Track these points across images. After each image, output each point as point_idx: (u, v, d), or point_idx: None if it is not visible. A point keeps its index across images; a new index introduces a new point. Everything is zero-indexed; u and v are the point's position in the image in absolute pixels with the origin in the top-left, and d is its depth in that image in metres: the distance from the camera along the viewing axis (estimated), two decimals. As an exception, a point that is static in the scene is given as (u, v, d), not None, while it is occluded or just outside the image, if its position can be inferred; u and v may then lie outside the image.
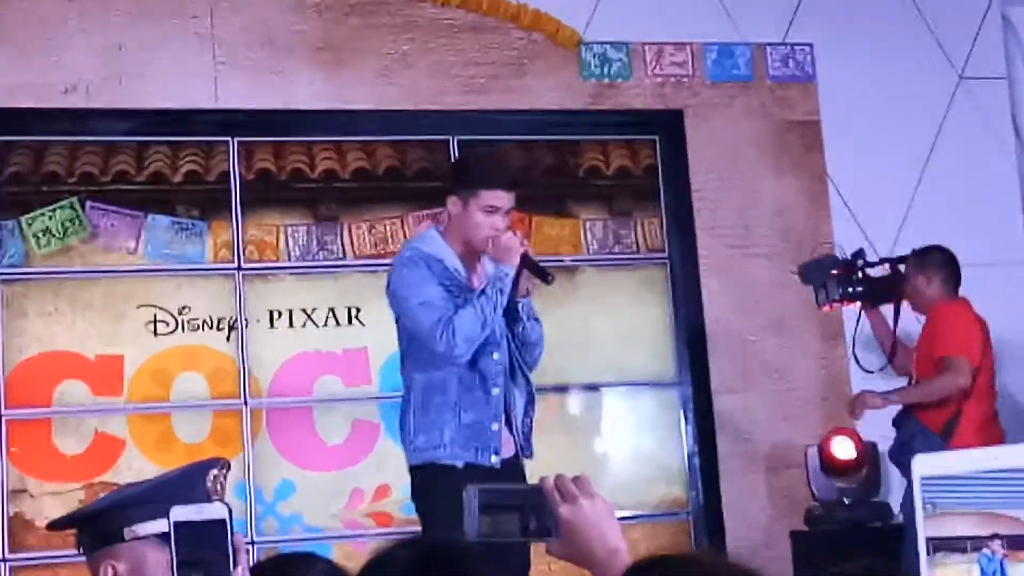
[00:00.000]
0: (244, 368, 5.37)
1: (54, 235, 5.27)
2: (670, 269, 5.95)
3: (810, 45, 6.18)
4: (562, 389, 5.77)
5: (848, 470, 5.54)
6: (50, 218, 5.27)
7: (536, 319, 4.21)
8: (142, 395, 5.31)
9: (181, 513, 1.86)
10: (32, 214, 5.25)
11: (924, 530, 1.48)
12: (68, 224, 5.29)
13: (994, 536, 1.44)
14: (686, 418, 5.83)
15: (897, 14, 6.27)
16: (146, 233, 5.37)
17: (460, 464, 4.01)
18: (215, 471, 2.32)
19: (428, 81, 5.66)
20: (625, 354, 5.85)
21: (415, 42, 5.67)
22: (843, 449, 5.51)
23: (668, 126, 6.01)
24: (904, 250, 5.63)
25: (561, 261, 5.83)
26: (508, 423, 4.16)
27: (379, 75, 5.60)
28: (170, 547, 1.85)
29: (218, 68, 5.40)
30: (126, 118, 5.37)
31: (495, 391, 4.11)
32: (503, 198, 4.04)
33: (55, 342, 5.25)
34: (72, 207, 5.30)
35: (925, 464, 1.48)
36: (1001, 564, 1.43)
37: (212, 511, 1.88)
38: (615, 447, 5.82)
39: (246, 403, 5.37)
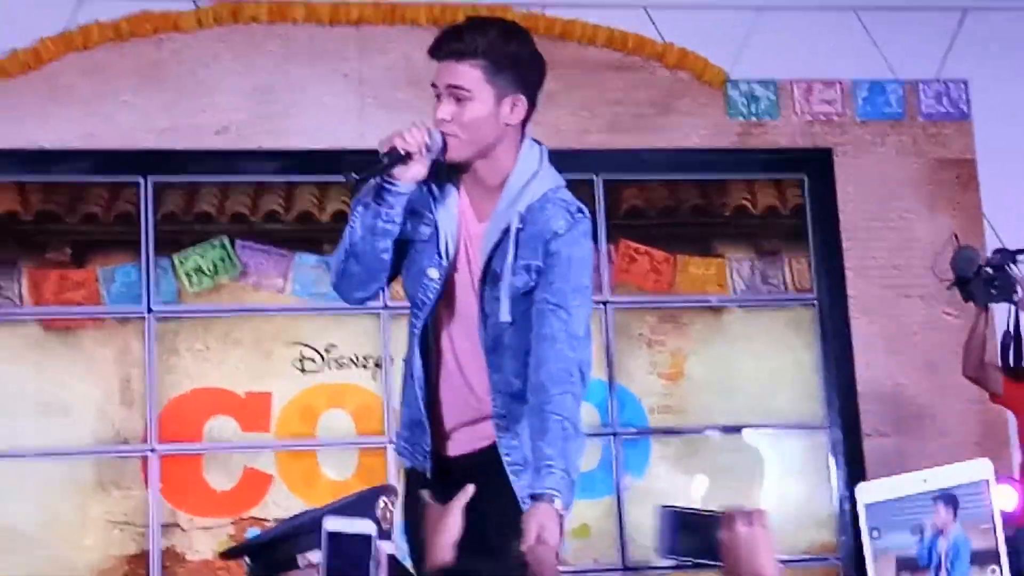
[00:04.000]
0: (389, 406, 5.40)
1: (205, 273, 5.39)
2: (819, 310, 5.86)
3: (965, 82, 6.05)
4: (708, 430, 5.70)
5: (1009, 519, 5.36)
6: (202, 257, 5.39)
7: None
8: (289, 432, 5.38)
9: (334, 524, 1.94)
10: (184, 253, 5.38)
11: (873, 554, 1.68)
12: (219, 263, 5.40)
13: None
14: (836, 462, 5.72)
15: (1056, 49, 6.12)
16: (294, 272, 5.45)
17: (407, 465, 3.13)
18: (384, 499, 2.37)
19: (573, 120, 5.66)
20: (772, 396, 5.77)
21: (560, 81, 5.66)
22: (1004, 499, 5.32)
23: (817, 165, 5.93)
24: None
25: (707, 301, 5.79)
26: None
27: (524, 115, 5.61)
28: (321, 553, 1.93)
29: (364, 108, 5.47)
30: (275, 158, 5.47)
31: (416, 370, 3.05)
32: (438, 72, 2.97)
33: (206, 379, 5.35)
34: (223, 246, 5.42)
35: (867, 492, 1.67)
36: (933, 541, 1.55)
37: (361, 526, 1.95)
38: (762, 490, 5.72)
39: (391, 441, 5.40)
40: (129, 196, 5.39)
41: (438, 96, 2.96)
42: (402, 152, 2.86)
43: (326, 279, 5.42)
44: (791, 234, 5.91)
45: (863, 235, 5.88)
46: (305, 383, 5.41)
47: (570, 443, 2.85)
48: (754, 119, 5.87)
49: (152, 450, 5.24)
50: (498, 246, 2.96)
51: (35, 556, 5.06)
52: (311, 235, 5.48)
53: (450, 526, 2.60)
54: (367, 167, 2.85)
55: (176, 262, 5.38)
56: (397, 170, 2.88)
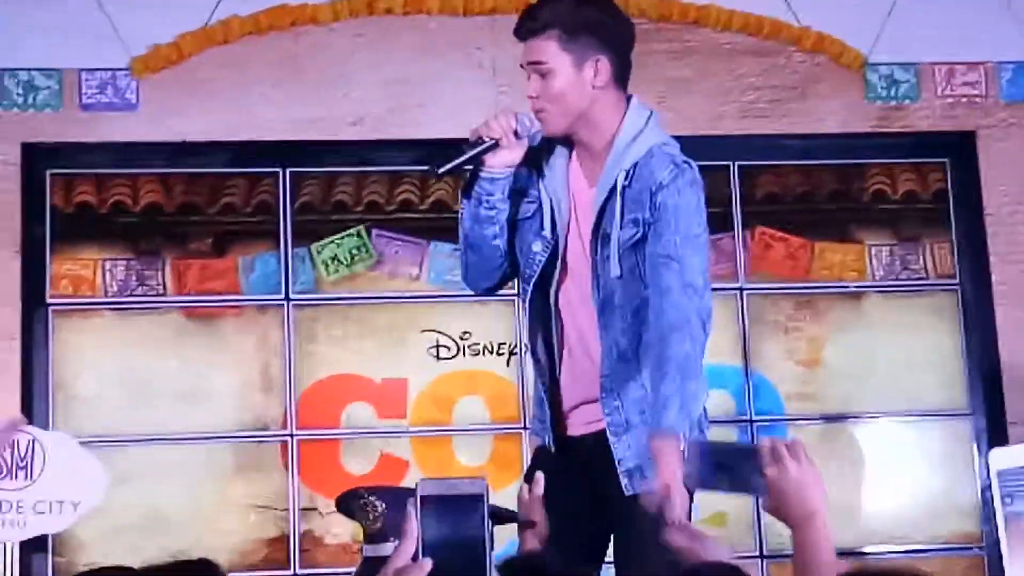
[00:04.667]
0: (524, 393, 5.43)
1: (342, 262, 5.47)
2: (961, 296, 5.74)
3: (1114, 62, 5.88)
4: (847, 418, 5.63)
5: None
6: (338, 246, 5.48)
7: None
8: (425, 418, 5.44)
9: (428, 487, 1.90)
10: (322, 242, 5.46)
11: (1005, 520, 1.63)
12: (355, 251, 5.49)
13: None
14: (979, 450, 5.59)
15: None
16: (429, 260, 5.52)
17: (537, 443, 3.18)
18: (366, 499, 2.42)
19: (707, 106, 5.62)
20: (913, 383, 5.67)
21: (693, 67, 5.64)
22: None
23: (960, 148, 5.81)
24: None
25: (845, 287, 5.71)
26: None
27: (657, 100, 5.56)
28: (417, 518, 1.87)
29: (499, 98, 5.49)
30: (410, 148, 5.52)
31: (537, 349, 3.12)
32: (523, 53, 3.13)
33: (343, 365, 5.43)
34: (359, 235, 5.50)
35: (1000, 458, 1.64)
36: None
37: (468, 487, 1.91)
38: (902, 478, 5.63)
39: (526, 427, 5.42)
40: (268, 187, 5.50)
41: (529, 77, 3.06)
42: (486, 139, 2.98)
43: (460, 267, 5.49)
44: (932, 219, 5.81)
45: (1008, 219, 5.74)
46: (440, 370, 5.46)
47: (689, 383, 2.83)
48: (893, 103, 5.77)
49: (291, 435, 5.34)
50: (606, 205, 2.99)
51: (178, 538, 5.18)
52: (445, 224, 5.50)
53: (536, 520, 2.55)
54: (451, 157, 2.94)
55: (313, 251, 5.47)
56: (488, 157, 3.00)
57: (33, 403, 5.15)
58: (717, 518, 5.38)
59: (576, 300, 3.06)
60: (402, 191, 5.56)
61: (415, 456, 5.39)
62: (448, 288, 5.48)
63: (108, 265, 5.40)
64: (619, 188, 2.97)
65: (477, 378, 5.47)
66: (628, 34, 3.15)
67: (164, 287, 5.41)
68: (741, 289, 5.61)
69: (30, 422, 4.85)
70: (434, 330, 5.48)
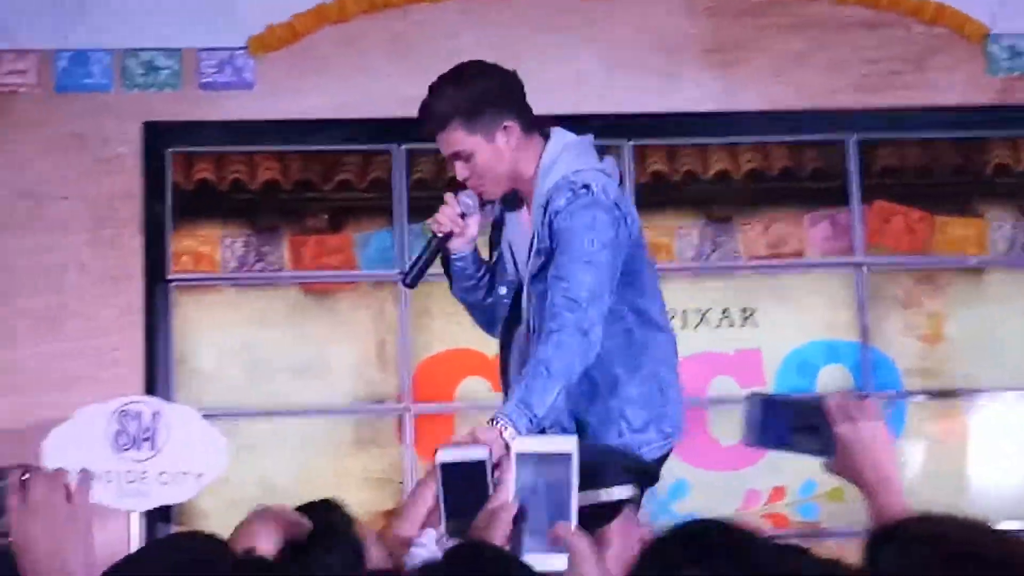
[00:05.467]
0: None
1: (456, 238, 5.49)
2: (1086, 270, 5.62)
3: None
4: (968, 393, 5.54)
5: None
6: (452, 222, 5.49)
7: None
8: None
9: (447, 455, 2.15)
10: (435, 218, 5.49)
11: None
12: (469, 227, 5.50)
13: None
14: (1104, 428, 5.48)
15: None
16: (540, 236, 5.51)
17: None
18: None
19: (823, 80, 5.55)
20: (1036, 359, 5.57)
21: (809, 40, 5.57)
22: None
23: (1084, 120, 5.67)
24: None
25: (966, 262, 5.62)
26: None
27: (772, 75, 5.53)
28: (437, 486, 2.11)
29: (611, 73, 5.47)
30: (522, 124, 5.50)
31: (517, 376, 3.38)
32: (439, 144, 3.42)
33: (457, 340, 5.46)
34: (472, 211, 5.51)
35: None
36: None
37: (474, 453, 2.13)
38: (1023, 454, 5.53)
39: (640, 403, 5.41)
40: (382, 164, 5.54)
41: (452, 165, 3.36)
42: (440, 235, 3.31)
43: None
44: (1056, 193, 5.71)
45: None
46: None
47: (538, 381, 2.99)
48: (1016, 74, 5.64)
49: (407, 409, 5.39)
50: (533, 241, 3.26)
51: (296, 510, 5.25)
52: (558, 199, 5.51)
53: None
54: (414, 265, 3.34)
55: (428, 227, 5.49)
56: (450, 244, 3.34)
57: (156, 376, 5.26)
58: (835, 493, 5.33)
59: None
60: (515, 167, 5.56)
61: (529, 431, 5.40)
62: (561, 263, 5.48)
63: (227, 241, 5.49)
64: (538, 223, 3.22)
65: (589, 354, 5.46)
66: (517, 85, 3.38)
67: (282, 263, 5.49)
68: (859, 264, 5.54)
69: (153, 394, 4.96)
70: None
